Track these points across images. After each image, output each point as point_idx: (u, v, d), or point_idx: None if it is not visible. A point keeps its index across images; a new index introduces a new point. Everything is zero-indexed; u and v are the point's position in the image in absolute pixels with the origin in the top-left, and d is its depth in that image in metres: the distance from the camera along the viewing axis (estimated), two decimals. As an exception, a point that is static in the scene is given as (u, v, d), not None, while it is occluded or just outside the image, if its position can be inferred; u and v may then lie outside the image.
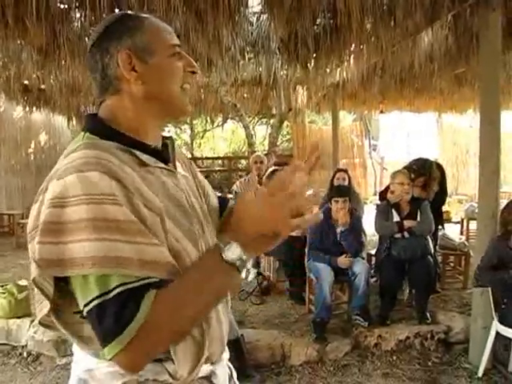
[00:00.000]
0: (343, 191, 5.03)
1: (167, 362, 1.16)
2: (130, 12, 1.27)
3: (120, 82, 1.20)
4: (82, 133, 1.19)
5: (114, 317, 0.99)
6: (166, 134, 1.35)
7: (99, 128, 1.19)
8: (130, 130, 1.20)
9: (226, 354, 1.38)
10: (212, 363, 1.27)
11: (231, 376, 1.42)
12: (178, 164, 1.34)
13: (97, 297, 1.00)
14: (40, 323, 1.20)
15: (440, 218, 5.91)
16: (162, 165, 1.23)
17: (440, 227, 6.02)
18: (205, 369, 1.24)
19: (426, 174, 5.64)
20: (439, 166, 6.10)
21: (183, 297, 1.05)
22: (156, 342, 1.05)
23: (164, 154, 1.27)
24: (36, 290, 1.09)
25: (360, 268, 4.62)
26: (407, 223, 4.80)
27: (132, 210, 1.04)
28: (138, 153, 1.17)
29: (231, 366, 1.43)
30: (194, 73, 1.27)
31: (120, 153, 1.13)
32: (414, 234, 4.77)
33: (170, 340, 1.10)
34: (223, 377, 1.32)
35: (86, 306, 1.02)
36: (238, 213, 1.12)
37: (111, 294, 0.99)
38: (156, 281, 1.03)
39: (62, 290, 1.08)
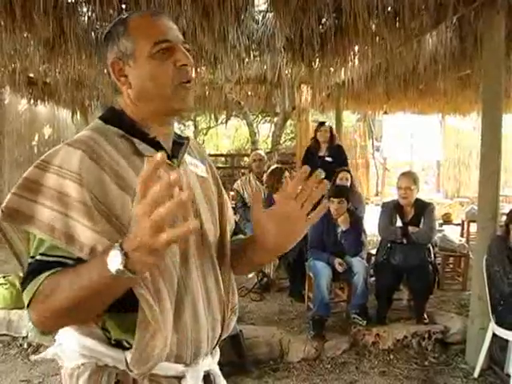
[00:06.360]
0: (339, 192, 5.00)
1: (129, 350, 1.18)
2: (124, 16, 1.30)
3: (118, 85, 1.29)
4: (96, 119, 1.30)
5: (23, 278, 1.14)
6: (183, 134, 1.41)
7: (109, 115, 1.29)
8: (136, 121, 1.28)
9: (210, 360, 1.37)
10: (186, 365, 1.27)
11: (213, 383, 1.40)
12: (195, 163, 1.39)
13: (30, 256, 1.16)
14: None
15: None
16: None
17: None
18: (175, 368, 1.25)
19: None
20: None
21: (63, 286, 1.08)
22: (43, 311, 1.11)
23: (173, 149, 1.33)
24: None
25: (359, 267, 4.65)
26: (411, 229, 4.72)
27: (99, 188, 1.13)
28: (136, 142, 1.24)
29: (217, 374, 1.42)
30: (185, 65, 1.26)
31: (118, 140, 1.22)
32: (413, 241, 4.71)
33: (56, 314, 1.11)
34: (193, 382, 1.29)
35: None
36: (260, 234, 1.25)
37: (34, 259, 1.15)
38: (68, 263, 1.12)
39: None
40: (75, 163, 1.13)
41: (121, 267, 0.96)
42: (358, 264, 4.70)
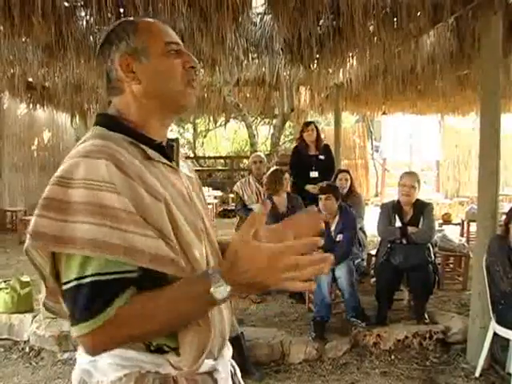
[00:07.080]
0: (325, 188, 5.02)
1: (169, 353, 1.19)
2: (130, 18, 1.34)
3: (122, 83, 1.28)
4: (93, 127, 1.27)
5: (85, 302, 1.06)
6: (171, 136, 1.41)
7: (108, 122, 1.26)
8: (136, 125, 1.27)
9: (229, 352, 1.40)
10: (215, 359, 1.28)
11: (235, 374, 1.43)
12: (182, 164, 1.40)
13: (75, 278, 1.06)
14: (44, 306, 1.25)
15: None
16: (165, 161, 1.28)
17: None
18: (207, 364, 1.26)
19: None
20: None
21: (154, 311, 1.09)
22: (116, 337, 1.10)
23: (168, 151, 1.32)
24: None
25: (341, 272, 4.62)
26: (411, 229, 4.72)
27: (132, 196, 1.10)
28: (143, 146, 1.23)
29: (234, 364, 1.45)
30: (193, 68, 1.31)
31: (126, 144, 1.20)
32: (414, 241, 4.70)
33: (129, 339, 1.13)
34: (225, 373, 1.33)
35: (65, 284, 1.09)
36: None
37: (86, 280, 1.06)
38: (133, 276, 1.09)
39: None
40: (104, 173, 1.08)
41: (226, 296, 1.06)
42: (341, 269, 4.64)
